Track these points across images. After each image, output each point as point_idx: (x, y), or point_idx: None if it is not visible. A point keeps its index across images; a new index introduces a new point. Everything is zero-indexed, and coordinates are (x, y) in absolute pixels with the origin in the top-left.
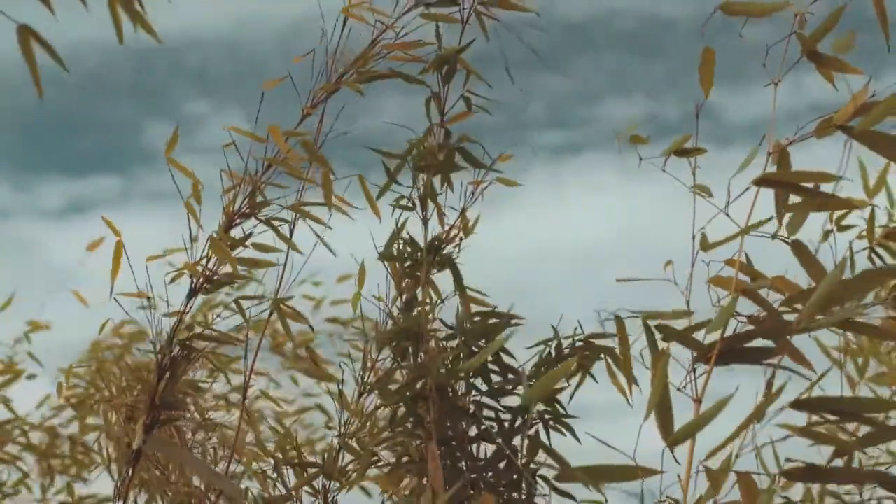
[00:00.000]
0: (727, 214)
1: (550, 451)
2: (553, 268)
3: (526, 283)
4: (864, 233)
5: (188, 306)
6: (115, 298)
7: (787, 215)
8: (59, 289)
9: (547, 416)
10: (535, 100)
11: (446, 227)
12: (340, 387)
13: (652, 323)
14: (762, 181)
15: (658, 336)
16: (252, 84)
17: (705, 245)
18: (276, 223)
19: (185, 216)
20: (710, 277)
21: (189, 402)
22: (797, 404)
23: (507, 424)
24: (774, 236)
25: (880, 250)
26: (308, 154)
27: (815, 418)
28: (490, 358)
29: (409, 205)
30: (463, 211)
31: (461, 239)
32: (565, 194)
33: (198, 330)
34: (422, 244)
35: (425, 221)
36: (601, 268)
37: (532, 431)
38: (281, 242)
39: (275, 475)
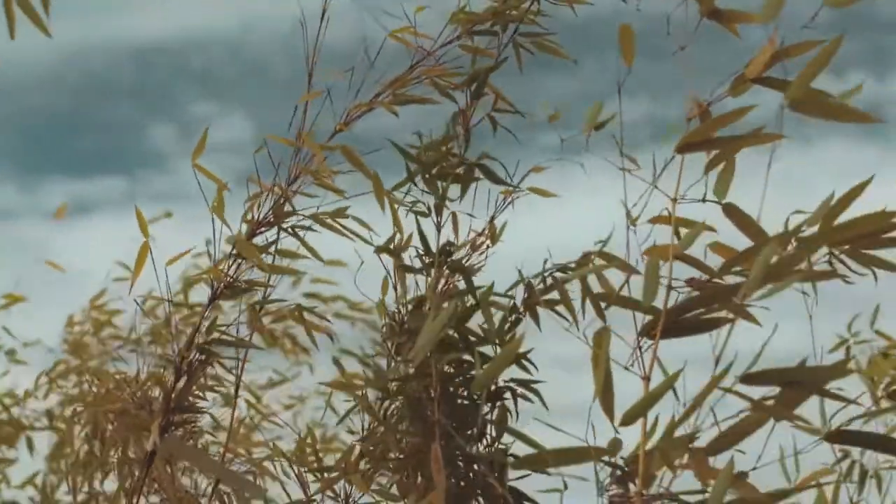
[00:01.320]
0: (656, 187)
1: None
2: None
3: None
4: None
5: (207, 311)
6: (135, 300)
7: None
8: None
9: (514, 385)
10: (538, 101)
11: (472, 235)
12: (365, 391)
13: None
14: (684, 147)
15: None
16: (256, 85)
17: (631, 219)
18: (299, 231)
19: (193, 218)
20: (644, 249)
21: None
22: (746, 378)
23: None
24: (704, 199)
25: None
26: (350, 162)
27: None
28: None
29: (424, 210)
30: (492, 219)
31: (488, 246)
32: (569, 195)
33: (216, 334)
34: (434, 249)
35: (438, 227)
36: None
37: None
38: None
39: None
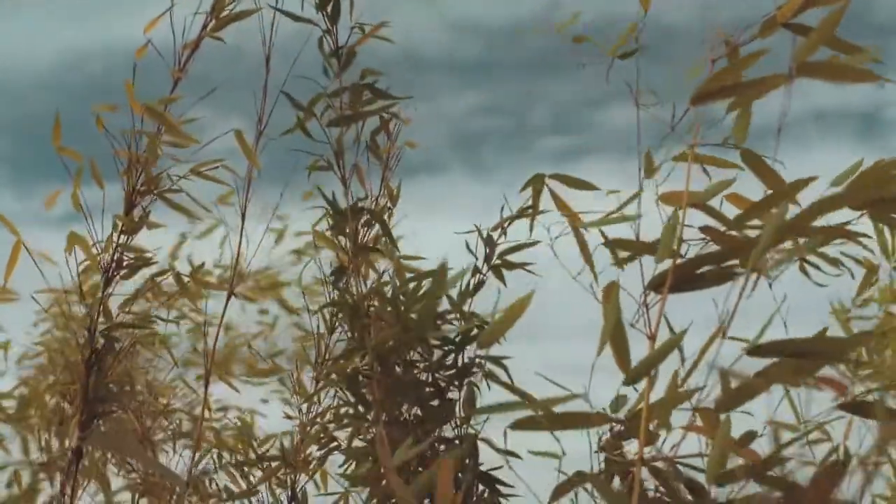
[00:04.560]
0: (672, 129)
1: (510, 387)
2: (559, 271)
3: (533, 285)
4: None
5: (104, 296)
6: (32, 297)
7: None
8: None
9: (483, 362)
10: (538, 105)
11: (372, 198)
12: (295, 375)
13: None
14: (700, 97)
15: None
16: (253, 91)
17: (649, 168)
18: (170, 195)
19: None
20: (659, 194)
21: (133, 392)
22: (753, 350)
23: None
24: (724, 143)
25: None
26: (156, 119)
27: None
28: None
29: (324, 164)
30: (384, 179)
31: (391, 208)
32: (568, 199)
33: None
34: (344, 206)
35: (344, 181)
36: (605, 272)
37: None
38: (172, 218)
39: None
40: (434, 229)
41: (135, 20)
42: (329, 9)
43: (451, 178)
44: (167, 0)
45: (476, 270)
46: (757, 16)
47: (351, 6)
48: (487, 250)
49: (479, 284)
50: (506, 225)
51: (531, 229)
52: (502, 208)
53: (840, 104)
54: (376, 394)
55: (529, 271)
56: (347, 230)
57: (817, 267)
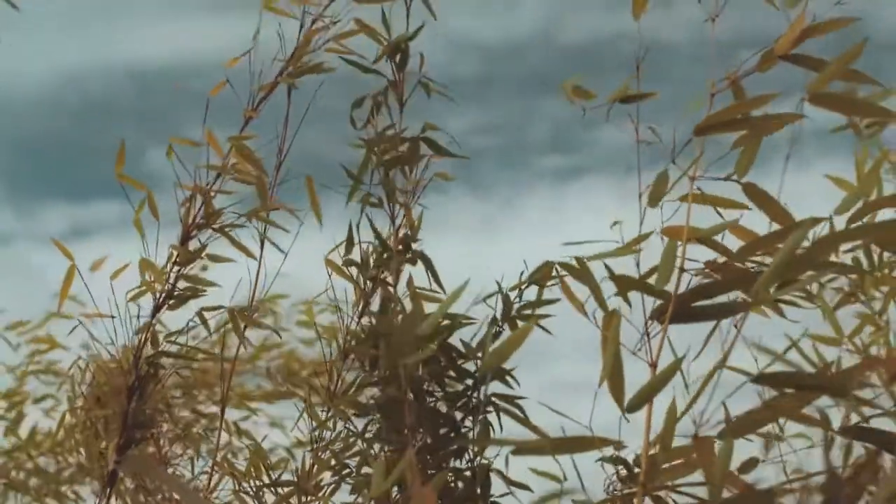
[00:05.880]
0: (674, 162)
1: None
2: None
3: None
4: None
5: (152, 323)
6: (79, 320)
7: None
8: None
9: (496, 399)
10: (536, 123)
11: (394, 229)
12: (309, 401)
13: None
14: (703, 129)
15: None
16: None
17: (653, 199)
18: (230, 230)
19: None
20: (662, 228)
21: (162, 419)
22: (760, 378)
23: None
24: (728, 178)
25: None
26: (243, 158)
27: None
28: (444, 361)
29: (376, 201)
30: (408, 210)
31: (409, 237)
32: (567, 217)
33: (164, 347)
34: (391, 242)
35: (393, 218)
36: (612, 299)
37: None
38: (232, 253)
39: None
40: (434, 246)
41: (133, 39)
42: (397, 58)
43: (450, 194)
44: (165, 19)
45: (494, 322)
46: (755, 33)
47: (421, 61)
48: (504, 308)
49: (497, 335)
50: (523, 287)
51: (540, 294)
52: (522, 273)
53: (839, 119)
54: (408, 421)
55: (543, 327)
56: (393, 265)
57: (794, 304)
